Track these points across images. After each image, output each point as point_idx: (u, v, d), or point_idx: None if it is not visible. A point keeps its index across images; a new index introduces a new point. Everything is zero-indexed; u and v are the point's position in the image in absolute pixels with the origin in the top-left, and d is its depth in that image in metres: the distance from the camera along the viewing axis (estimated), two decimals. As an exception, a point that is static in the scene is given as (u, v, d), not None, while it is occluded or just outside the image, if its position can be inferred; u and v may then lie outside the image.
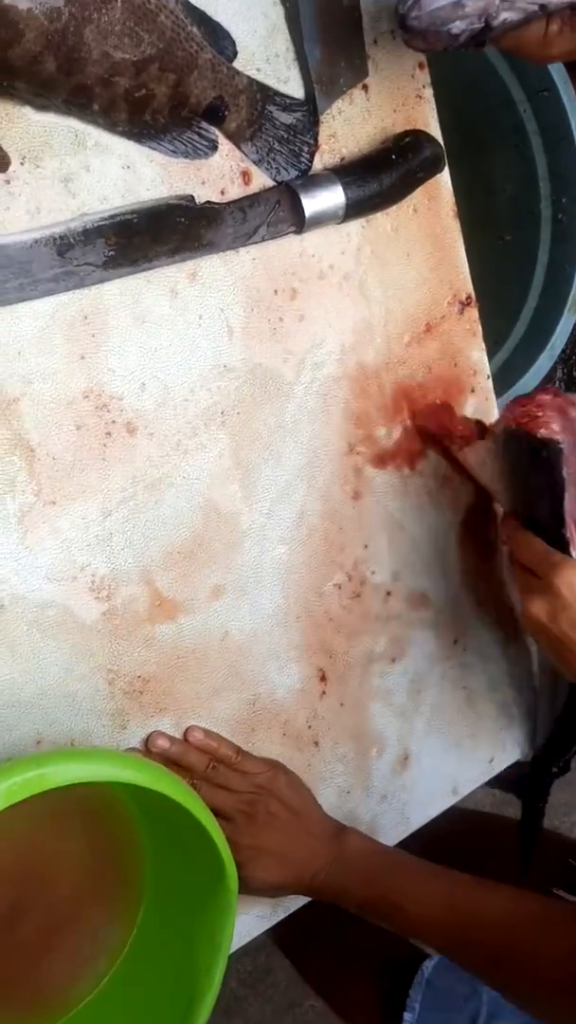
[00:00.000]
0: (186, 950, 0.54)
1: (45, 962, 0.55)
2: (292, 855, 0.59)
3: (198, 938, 0.53)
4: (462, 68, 0.89)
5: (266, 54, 0.55)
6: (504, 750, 0.76)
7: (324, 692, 0.64)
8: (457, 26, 0.48)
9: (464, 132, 0.73)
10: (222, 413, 0.56)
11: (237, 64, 0.53)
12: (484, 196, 0.98)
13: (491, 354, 0.69)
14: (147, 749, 0.57)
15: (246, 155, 0.55)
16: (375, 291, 0.61)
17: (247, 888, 0.57)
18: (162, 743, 0.56)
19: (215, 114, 0.53)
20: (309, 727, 0.64)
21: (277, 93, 0.55)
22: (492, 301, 0.72)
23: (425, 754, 0.70)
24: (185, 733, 0.58)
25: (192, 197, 0.53)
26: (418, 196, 0.61)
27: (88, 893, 0.55)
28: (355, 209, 0.56)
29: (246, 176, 0.55)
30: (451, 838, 0.76)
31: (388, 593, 0.66)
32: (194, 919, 0.53)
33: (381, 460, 0.64)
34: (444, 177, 0.62)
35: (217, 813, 0.54)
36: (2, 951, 0.53)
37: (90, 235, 0.50)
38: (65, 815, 0.52)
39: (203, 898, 0.53)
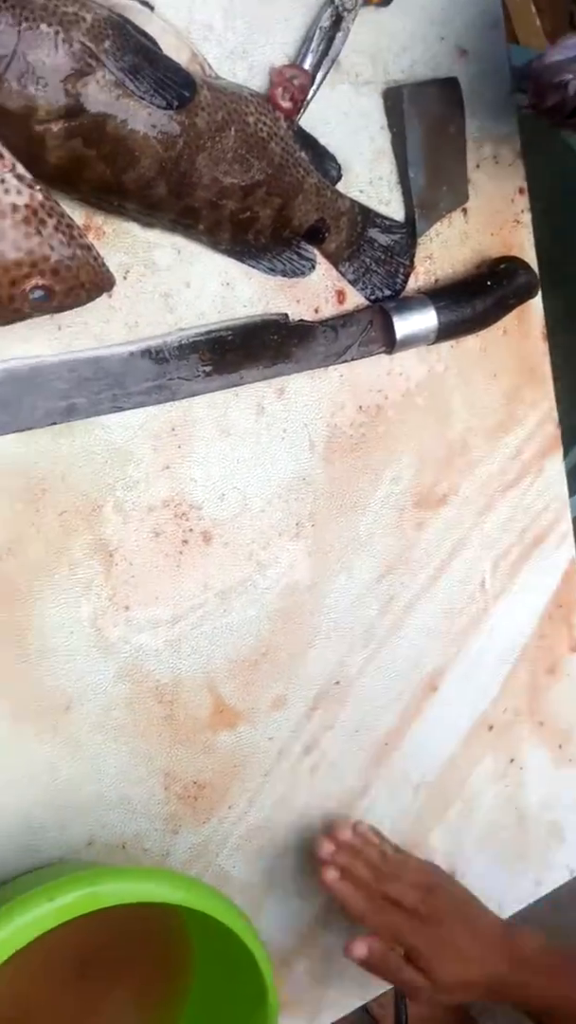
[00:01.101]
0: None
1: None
2: (472, 951, 0.57)
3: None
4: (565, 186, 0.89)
5: (370, 176, 0.55)
6: (552, 871, 0.74)
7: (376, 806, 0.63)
8: (573, 83, 0.49)
9: (560, 251, 0.73)
10: (297, 524, 0.56)
11: (340, 186, 0.54)
12: None
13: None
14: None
15: (343, 275, 0.55)
16: (460, 410, 0.61)
17: (442, 990, 0.56)
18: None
19: (316, 235, 0.53)
20: (359, 840, 0.63)
21: (378, 215, 0.56)
22: None
23: (473, 873, 0.69)
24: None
25: (286, 315, 0.53)
26: (509, 318, 0.61)
27: (134, 996, 0.55)
28: (446, 332, 0.57)
29: (340, 295, 0.55)
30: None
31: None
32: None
33: (452, 575, 0.63)
34: (536, 300, 0.62)
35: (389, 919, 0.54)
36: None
37: (185, 350, 0.50)
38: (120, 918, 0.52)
39: (243, 1019, 0.52)
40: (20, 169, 0.42)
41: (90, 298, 0.45)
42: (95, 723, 0.52)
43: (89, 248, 0.44)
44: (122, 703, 0.52)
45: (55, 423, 0.48)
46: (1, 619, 0.49)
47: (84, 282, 0.44)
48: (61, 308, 0.45)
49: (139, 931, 0.54)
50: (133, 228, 0.49)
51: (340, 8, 0.51)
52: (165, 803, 0.55)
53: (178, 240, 0.50)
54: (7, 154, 0.42)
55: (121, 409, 0.50)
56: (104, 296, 0.48)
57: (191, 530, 0.53)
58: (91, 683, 0.51)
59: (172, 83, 0.45)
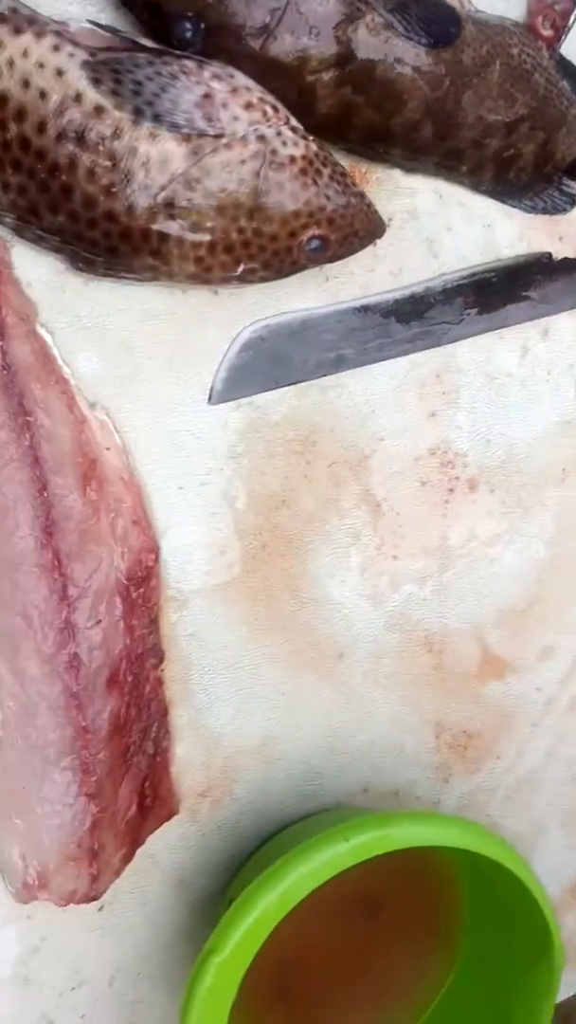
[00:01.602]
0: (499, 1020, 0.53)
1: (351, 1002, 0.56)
2: None
3: (515, 1013, 0.52)
4: None
5: (632, 102, 0.53)
6: None
7: None
8: None
9: None
10: (563, 470, 0.55)
11: (602, 115, 0.51)
12: None
13: None
14: None
15: (606, 208, 0.53)
16: None
17: None
18: None
19: (578, 168, 0.51)
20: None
21: None
22: None
23: None
24: None
25: (550, 254, 0.52)
26: None
27: (402, 944, 0.56)
28: None
29: (605, 230, 0.53)
30: None
31: None
32: (511, 992, 0.52)
33: None
34: None
35: None
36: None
37: (449, 294, 0.50)
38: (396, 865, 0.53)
39: (524, 971, 0.51)
40: (294, 121, 0.43)
41: (363, 245, 0.45)
42: (367, 671, 0.53)
43: (362, 196, 0.44)
44: (392, 652, 0.53)
45: (325, 375, 0.49)
46: (278, 568, 0.50)
47: (358, 230, 0.45)
48: (335, 258, 0.45)
49: (415, 880, 0.54)
50: (396, 175, 0.48)
51: None
52: (436, 751, 0.55)
53: (439, 184, 0.49)
54: (281, 107, 0.42)
55: (387, 358, 0.50)
56: (369, 247, 0.48)
57: (457, 478, 0.53)
58: (362, 631, 0.52)
59: (439, 20, 0.44)
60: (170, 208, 0.41)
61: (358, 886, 0.53)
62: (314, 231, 0.43)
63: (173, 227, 0.42)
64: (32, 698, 0.46)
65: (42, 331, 0.45)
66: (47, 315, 0.45)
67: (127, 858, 0.49)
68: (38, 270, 0.44)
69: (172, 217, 0.42)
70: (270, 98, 0.42)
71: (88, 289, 0.45)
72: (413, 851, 0.53)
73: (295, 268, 0.45)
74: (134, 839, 0.49)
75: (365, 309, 0.49)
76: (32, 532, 0.45)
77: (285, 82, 0.43)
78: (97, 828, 0.47)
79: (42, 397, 0.44)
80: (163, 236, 0.42)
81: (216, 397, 0.48)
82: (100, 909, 0.50)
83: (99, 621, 0.46)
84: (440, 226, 0.50)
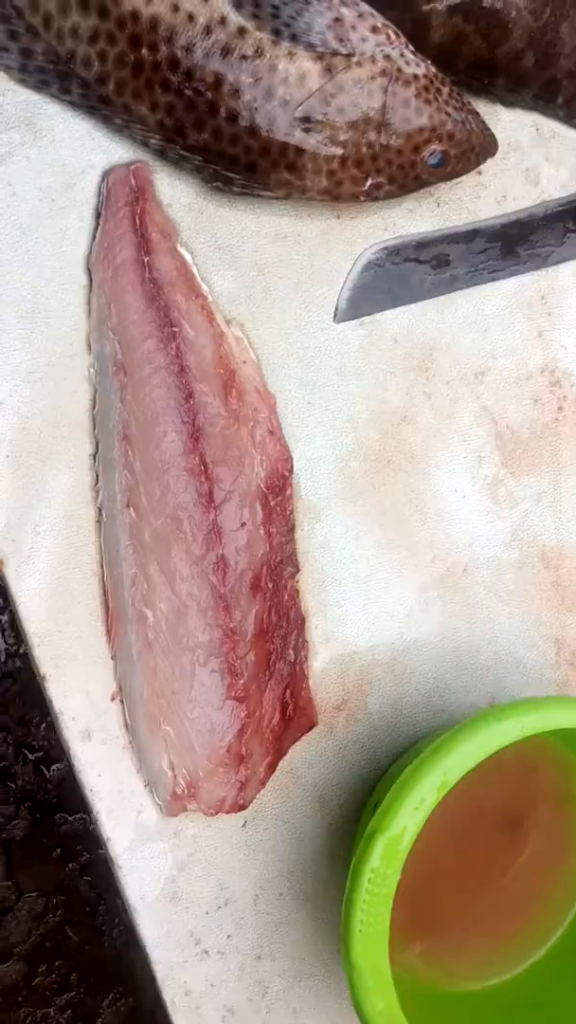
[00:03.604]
0: None
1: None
2: None
3: None
4: None
5: None
6: None
7: None
8: None
9: None
10: None
11: None
12: None
13: None
14: None
15: None
16: None
17: None
18: None
19: None
20: None
21: None
22: None
23: None
24: None
25: None
26: None
27: (537, 865, 0.56)
28: None
29: None
30: None
31: None
32: None
33: None
34: None
35: None
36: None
37: (551, 219, 0.53)
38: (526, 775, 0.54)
39: None
40: (411, 47, 0.46)
41: (479, 162, 0.49)
42: (489, 584, 0.54)
43: (476, 114, 0.48)
44: (512, 567, 0.54)
45: (440, 294, 0.52)
46: (403, 484, 0.52)
47: (475, 145, 0.48)
48: (453, 173, 0.48)
49: (556, 801, 0.55)
50: (497, 109, 0.52)
51: None
52: (556, 667, 0.56)
53: (537, 118, 0.53)
54: (400, 33, 0.46)
55: (496, 278, 0.53)
56: (475, 173, 0.52)
57: (565, 397, 0.55)
58: (484, 546, 0.54)
59: (538, -47, 0.48)
60: (307, 123, 0.45)
61: (498, 803, 0.54)
62: (436, 146, 0.47)
63: (309, 141, 0.45)
64: (183, 600, 0.47)
65: (183, 250, 0.48)
66: (187, 235, 0.48)
67: (272, 767, 0.50)
68: (178, 192, 0.48)
69: (308, 131, 0.45)
70: (391, 25, 0.46)
71: (223, 211, 0.48)
72: (556, 765, 0.54)
73: (417, 183, 0.48)
74: (278, 748, 0.50)
75: (474, 233, 0.52)
76: (180, 437, 0.47)
77: (402, 12, 0.47)
78: (245, 733, 0.49)
79: (186, 309, 0.47)
80: (299, 150, 0.45)
81: (340, 315, 0.50)
82: (243, 825, 0.51)
83: (243, 524, 0.48)
84: (539, 156, 0.53)
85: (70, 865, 0.57)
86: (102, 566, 0.48)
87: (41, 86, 0.46)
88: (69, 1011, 0.57)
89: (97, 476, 0.48)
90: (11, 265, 0.47)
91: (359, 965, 0.44)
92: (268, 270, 0.49)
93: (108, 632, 0.49)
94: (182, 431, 0.47)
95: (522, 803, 0.54)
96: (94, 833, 0.51)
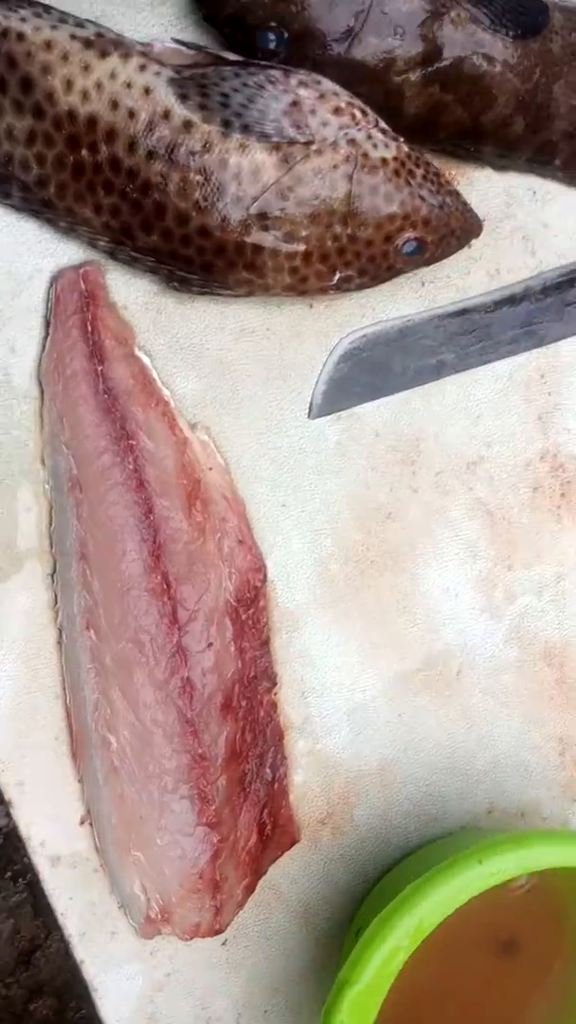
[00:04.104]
0: None
1: None
2: None
3: None
4: None
5: None
6: None
7: None
8: None
9: None
10: None
11: None
12: None
13: None
14: None
15: None
16: None
17: None
18: None
19: None
20: None
21: None
22: None
23: None
24: None
25: None
26: None
27: (540, 988, 0.53)
28: None
29: None
30: None
31: None
32: None
33: None
34: None
35: None
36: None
37: (549, 292, 0.48)
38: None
39: None
40: (383, 124, 0.42)
41: (460, 245, 0.44)
42: (486, 688, 0.51)
43: (457, 194, 0.43)
44: (511, 667, 0.51)
45: (426, 382, 0.48)
46: (388, 584, 0.49)
47: (455, 229, 0.44)
48: (432, 259, 0.44)
49: (553, 919, 0.52)
50: (488, 174, 0.47)
51: None
52: (561, 769, 0.52)
53: (533, 181, 0.48)
54: (370, 111, 0.42)
55: (489, 361, 0.48)
56: (464, 248, 0.47)
57: (568, 482, 0.50)
58: (479, 647, 0.50)
59: (526, 10, 0.43)
60: (264, 219, 0.41)
61: (491, 924, 0.51)
62: (410, 233, 0.43)
63: (267, 238, 0.41)
64: (147, 726, 0.45)
65: (140, 354, 0.45)
66: (144, 337, 0.45)
67: (250, 889, 0.48)
68: (133, 293, 0.44)
69: (266, 228, 0.41)
70: (358, 102, 0.42)
71: (183, 309, 0.45)
72: (548, 885, 0.50)
73: (392, 273, 0.44)
74: (256, 869, 0.48)
75: (464, 312, 0.48)
76: (140, 556, 0.44)
77: (372, 85, 0.42)
78: (218, 858, 0.46)
79: (144, 420, 0.44)
80: (257, 248, 0.42)
81: (316, 411, 0.47)
82: (224, 944, 0.49)
83: (210, 644, 0.45)
84: (536, 223, 0.48)
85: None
86: (64, 688, 0.46)
87: (-20, 190, 0.42)
88: None
89: (56, 596, 0.46)
90: (-44, 381, 0.44)
91: None
92: (235, 368, 0.46)
93: (73, 756, 0.46)
94: (142, 549, 0.44)
95: (518, 924, 0.51)
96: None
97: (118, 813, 0.46)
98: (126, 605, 0.44)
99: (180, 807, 0.46)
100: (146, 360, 0.45)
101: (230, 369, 0.46)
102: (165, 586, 0.44)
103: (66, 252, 0.44)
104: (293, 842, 0.49)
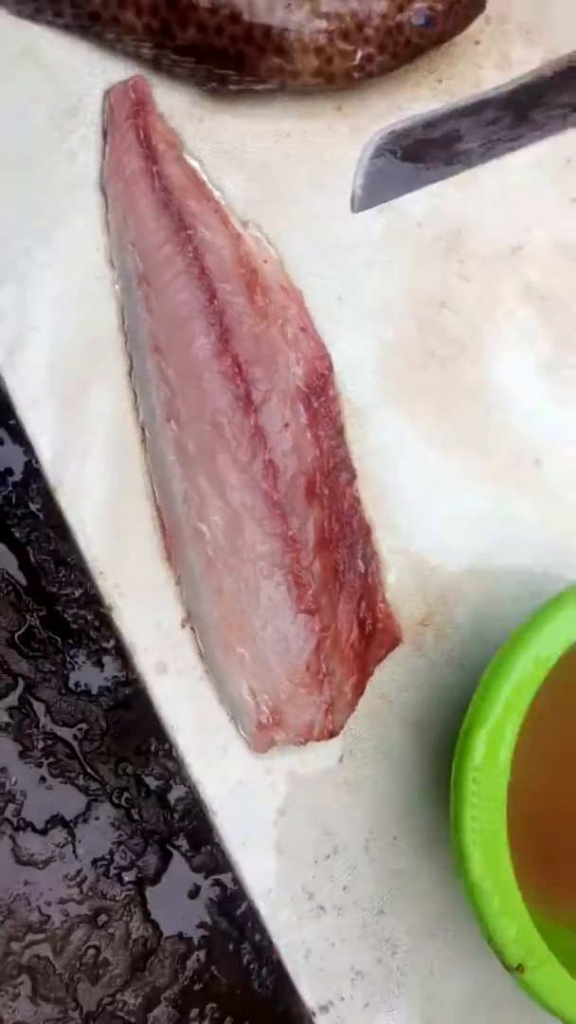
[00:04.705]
0: None
1: None
2: None
3: None
4: None
5: None
6: None
7: None
8: None
9: None
10: None
11: None
12: None
13: None
14: None
15: None
16: None
17: None
18: None
19: None
20: None
21: None
22: None
23: None
24: None
25: None
26: None
27: None
28: None
29: None
30: None
31: None
32: None
33: None
34: None
35: None
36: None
37: (563, 77, 0.51)
38: None
39: None
40: None
41: (469, 17, 0.47)
42: (567, 475, 0.50)
43: (460, -32, 0.46)
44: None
45: (457, 172, 0.50)
46: (455, 376, 0.49)
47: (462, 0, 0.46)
48: (444, 34, 0.47)
49: None
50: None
51: None
52: None
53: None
54: None
55: (514, 148, 0.50)
56: (472, 43, 0.50)
57: (612, 262, 0.51)
58: (555, 435, 0.50)
59: None
60: (286, 1, 0.44)
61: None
62: (419, 3, 0.45)
63: (291, 19, 0.44)
64: (236, 510, 0.45)
65: (190, 159, 0.47)
66: (191, 144, 0.47)
67: (359, 688, 0.46)
68: (176, 103, 0.47)
69: (289, 8, 0.44)
70: None
71: (223, 117, 0.47)
72: None
73: (409, 49, 0.46)
74: (362, 667, 0.46)
75: (482, 104, 0.50)
76: (209, 340, 0.45)
77: None
78: (322, 649, 0.45)
79: (199, 212, 0.46)
80: (283, 31, 0.44)
81: (358, 204, 0.48)
82: (340, 760, 0.47)
83: (287, 425, 0.45)
84: (539, 14, 0.51)
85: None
86: (153, 488, 0.46)
87: (36, 14, 0.46)
88: None
89: (135, 394, 0.46)
90: (28, 194, 0.46)
91: (480, 884, 0.39)
92: (277, 169, 0.48)
93: (168, 556, 0.46)
94: (210, 333, 0.45)
95: None
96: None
97: (218, 609, 0.45)
98: (201, 390, 0.45)
99: (278, 593, 0.45)
100: (195, 163, 0.47)
101: (273, 171, 0.48)
102: (236, 368, 0.45)
103: (116, 71, 0.47)
104: (395, 641, 0.47)
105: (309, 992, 0.46)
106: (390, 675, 0.47)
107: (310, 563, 0.45)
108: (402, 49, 0.46)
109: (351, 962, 0.46)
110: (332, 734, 0.45)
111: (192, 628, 0.46)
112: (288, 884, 0.46)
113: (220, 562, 0.45)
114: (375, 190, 0.49)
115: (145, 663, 0.45)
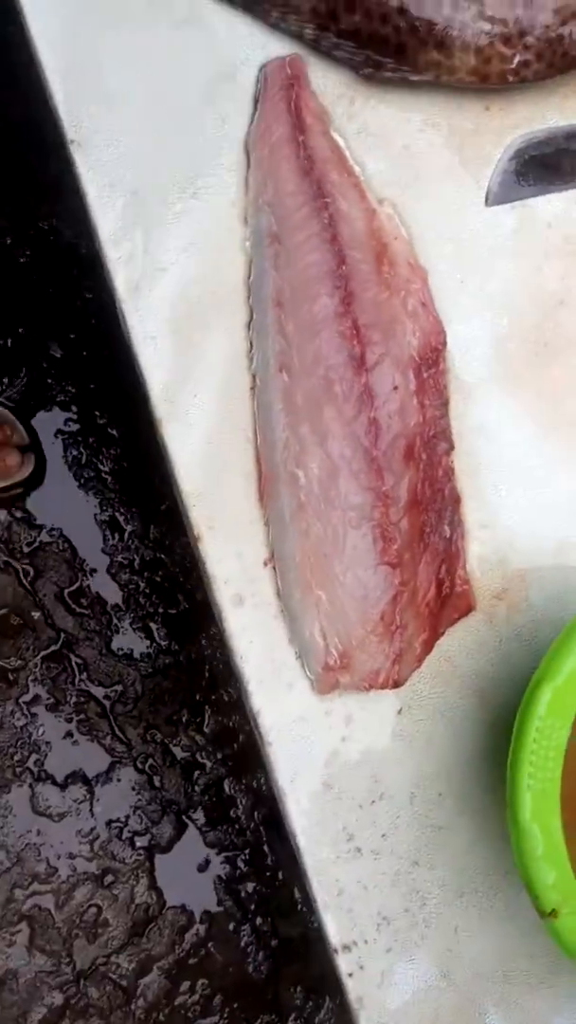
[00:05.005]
0: None
1: None
2: None
3: None
4: None
5: None
6: None
7: None
8: None
9: None
10: None
11: None
12: None
13: None
14: None
15: None
16: None
17: None
18: None
19: None
20: None
21: None
22: None
23: None
24: None
25: None
26: None
27: None
28: None
29: None
30: None
31: None
32: None
33: None
34: None
35: None
36: None
37: None
38: None
39: None
40: None
41: (625, 37, 0.50)
42: None
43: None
44: None
45: (590, 182, 0.52)
46: (563, 367, 0.51)
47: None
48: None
49: None
50: None
51: None
52: None
53: None
54: None
55: None
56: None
57: None
58: None
59: None
60: (455, -2, 0.47)
61: None
62: (590, 10, 0.48)
63: (457, 18, 0.47)
64: (335, 460, 0.47)
65: (336, 135, 0.50)
66: (338, 122, 0.50)
67: (428, 646, 0.48)
68: (329, 83, 0.50)
69: (456, 7, 0.47)
70: None
71: (373, 102, 0.50)
72: None
73: (566, 61, 0.49)
74: (434, 625, 0.48)
75: (624, 123, 0.53)
76: (332, 300, 0.48)
77: None
78: (399, 601, 0.47)
79: (339, 183, 0.49)
80: (448, 28, 0.47)
81: (493, 199, 0.51)
82: (399, 712, 0.49)
83: (395, 388, 0.48)
84: None
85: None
86: (255, 433, 0.49)
87: (208, -16, 0.50)
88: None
89: (251, 344, 0.49)
90: (176, 146, 0.50)
91: (528, 827, 0.41)
92: (418, 156, 0.51)
93: (261, 497, 0.48)
94: (334, 294, 0.48)
95: None
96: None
97: (303, 551, 0.47)
98: (317, 346, 0.48)
99: (363, 544, 0.47)
100: (340, 140, 0.50)
101: (414, 156, 0.51)
102: (355, 330, 0.48)
103: (274, 46, 0.50)
104: (469, 607, 0.49)
105: (335, 930, 0.48)
106: (459, 640, 0.49)
107: (399, 520, 0.47)
108: (559, 60, 0.49)
109: (379, 907, 0.48)
110: (396, 684, 0.47)
111: (274, 568, 0.48)
112: (330, 823, 0.48)
113: (311, 508, 0.47)
114: (511, 188, 0.51)
115: (223, 594, 0.48)
